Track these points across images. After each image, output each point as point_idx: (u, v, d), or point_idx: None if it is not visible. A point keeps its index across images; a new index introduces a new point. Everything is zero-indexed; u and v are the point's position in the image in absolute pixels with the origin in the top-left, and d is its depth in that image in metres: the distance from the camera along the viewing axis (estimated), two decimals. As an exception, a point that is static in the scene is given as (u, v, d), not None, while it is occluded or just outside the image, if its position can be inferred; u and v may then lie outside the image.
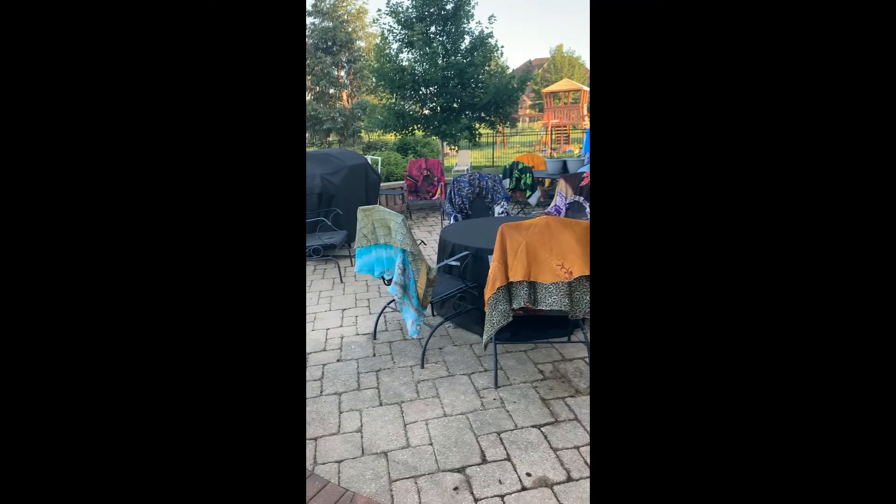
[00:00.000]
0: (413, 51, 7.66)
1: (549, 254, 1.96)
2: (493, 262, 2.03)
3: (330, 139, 15.41)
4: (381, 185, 6.50)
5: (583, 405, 2.12)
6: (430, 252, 4.59)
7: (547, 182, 5.98)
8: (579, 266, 1.95)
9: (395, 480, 1.70)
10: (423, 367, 2.48)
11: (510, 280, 2.03)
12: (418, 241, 3.39)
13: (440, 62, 7.38)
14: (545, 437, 1.91)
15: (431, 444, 1.88)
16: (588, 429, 1.96)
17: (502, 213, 3.95)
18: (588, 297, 2.03)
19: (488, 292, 2.07)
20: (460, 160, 11.82)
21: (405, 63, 7.64)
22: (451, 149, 9.49)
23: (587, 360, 2.47)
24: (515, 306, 2.06)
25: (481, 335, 2.73)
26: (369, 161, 6.16)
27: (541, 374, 2.40)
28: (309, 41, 14.89)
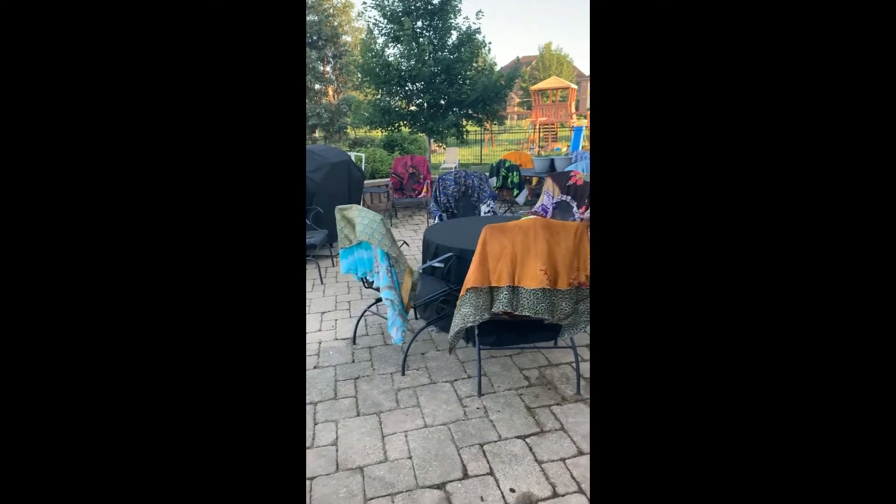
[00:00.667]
0: (399, 46, 7.52)
1: (534, 258, 1.86)
2: (472, 263, 1.93)
3: (315, 135, 15.17)
4: (366, 182, 6.36)
5: (569, 414, 2.04)
6: (416, 251, 4.48)
7: (535, 180, 5.91)
8: (562, 275, 1.86)
9: (371, 499, 1.60)
10: (403, 374, 2.38)
11: (492, 284, 1.94)
12: (400, 242, 3.28)
13: (427, 58, 7.25)
14: (530, 449, 1.82)
15: (410, 458, 1.78)
16: (574, 439, 1.88)
17: (489, 212, 3.86)
18: (566, 304, 1.95)
19: (462, 293, 1.97)
20: (448, 157, 11.70)
21: (391, 58, 7.49)
22: (437, 146, 9.36)
23: (574, 365, 2.39)
24: (496, 310, 1.97)
25: (464, 340, 2.64)
26: (353, 158, 6.02)
27: (526, 380, 2.31)
28: (294, 35, 14.55)
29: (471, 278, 1.96)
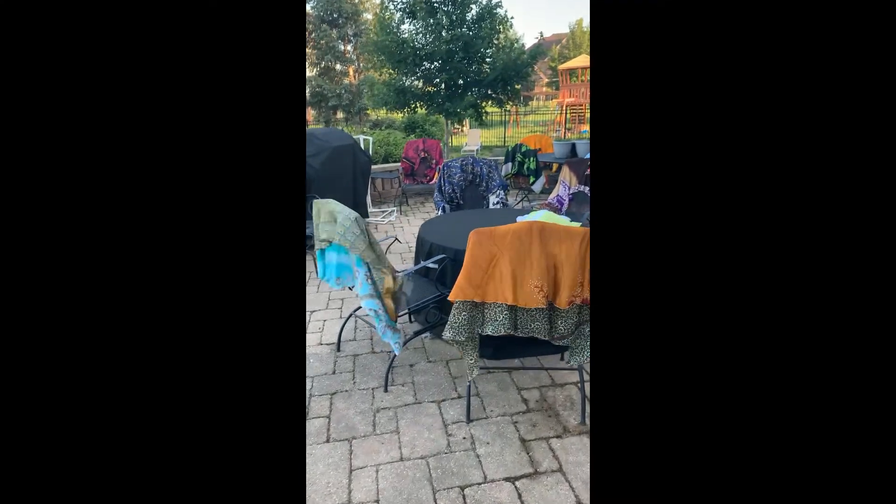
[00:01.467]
0: (415, 21, 7.10)
1: (529, 271, 1.55)
2: (460, 275, 1.63)
3: (338, 116, 14.92)
4: (377, 167, 6.09)
5: (570, 450, 1.74)
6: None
7: (554, 167, 5.49)
8: (562, 292, 1.54)
9: (323, 555, 1.36)
10: (386, 390, 2.12)
11: (476, 300, 1.63)
12: (391, 240, 3.01)
13: (444, 34, 6.82)
14: (519, 497, 1.54)
15: (377, 502, 1.53)
16: (574, 485, 1.58)
17: (498, 203, 3.53)
18: (563, 324, 1.63)
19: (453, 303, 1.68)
20: (470, 140, 11.29)
21: (406, 35, 7.08)
22: (456, 128, 8.94)
23: (580, 385, 2.08)
24: (492, 333, 1.67)
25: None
26: (361, 141, 5.74)
27: (524, 403, 2.02)
28: (313, 13, 14.26)
29: (455, 289, 1.66)
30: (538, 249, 1.52)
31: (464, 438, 1.81)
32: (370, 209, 5.17)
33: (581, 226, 2.59)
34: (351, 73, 15.69)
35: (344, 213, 1.86)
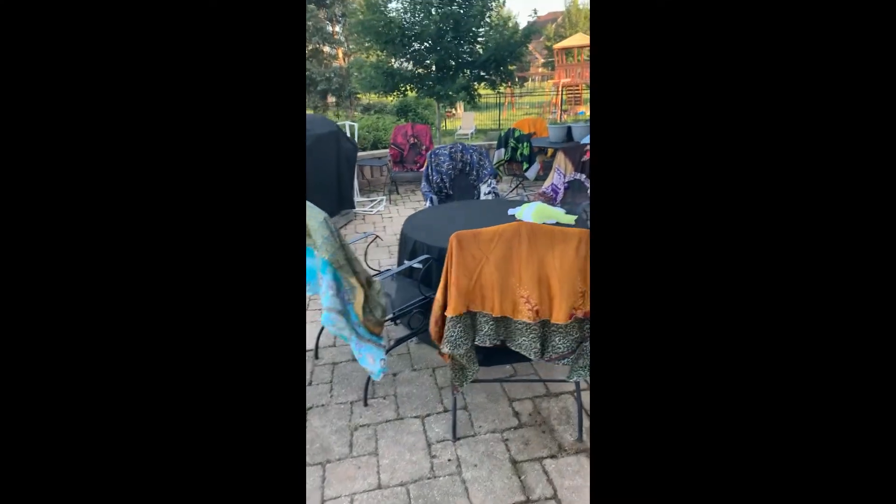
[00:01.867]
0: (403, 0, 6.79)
1: (516, 280, 1.36)
2: (440, 283, 1.44)
3: (329, 101, 14.53)
4: (365, 154, 5.84)
5: (566, 472, 1.58)
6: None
7: (549, 152, 5.27)
8: (559, 304, 1.35)
9: None
10: (366, 404, 1.95)
11: (461, 312, 1.44)
12: (372, 235, 2.81)
13: (433, 12, 6.51)
14: (509, 531, 1.38)
15: (350, 540, 1.37)
16: (570, 516, 1.42)
17: (489, 193, 3.32)
18: (561, 341, 1.44)
19: (432, 328, 1.49)
20: (464, 123, 11.00)
21: (393, 14, 6.77)
22: (449, 111, 8.66)
23: (576, 395, 1.91)
24: (479, 343, 1.49)
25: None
26: (347, 128, 5.49)
27: (516, 417, 1.85)
28: (300, -8, 13.75)
29: (439, 299, 1.47)
30: (527, 255, 1.33)
31: (449, 460, 1.64)
32: (357, 198, 4.95)
33: (577, 218, 2.40)
34: (340, 55, 15.25)
35: (312, 213, 1.66)
